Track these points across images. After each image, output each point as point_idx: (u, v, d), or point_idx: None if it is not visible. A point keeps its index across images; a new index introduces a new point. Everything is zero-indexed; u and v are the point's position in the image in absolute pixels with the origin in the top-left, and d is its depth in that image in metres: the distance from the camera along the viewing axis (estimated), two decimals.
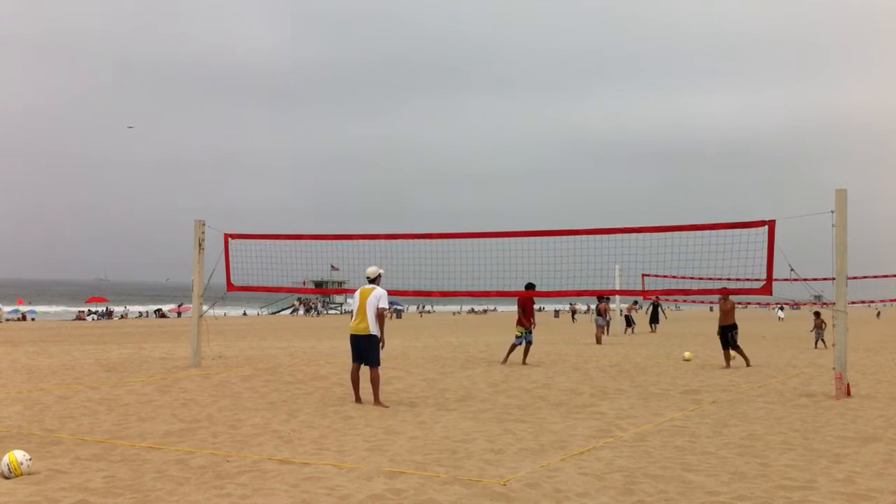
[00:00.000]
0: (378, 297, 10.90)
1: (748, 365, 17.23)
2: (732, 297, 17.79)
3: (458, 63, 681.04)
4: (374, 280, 11.22)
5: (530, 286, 16.36)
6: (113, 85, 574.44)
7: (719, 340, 17.76)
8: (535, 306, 18.55)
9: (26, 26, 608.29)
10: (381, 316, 10.90)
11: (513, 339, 17.94)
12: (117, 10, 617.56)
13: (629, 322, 36.00)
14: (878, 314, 71.96)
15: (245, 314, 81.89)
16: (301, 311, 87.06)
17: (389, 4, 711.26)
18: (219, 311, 71.43)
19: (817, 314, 25.72)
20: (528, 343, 17.72)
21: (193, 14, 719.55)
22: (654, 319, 36.56)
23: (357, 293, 11.10)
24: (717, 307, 19.03)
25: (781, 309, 58.70)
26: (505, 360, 17.60)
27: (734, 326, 17.51)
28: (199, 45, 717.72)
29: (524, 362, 17.44)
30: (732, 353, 17.45)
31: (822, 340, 25.16)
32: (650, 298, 34.83)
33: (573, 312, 65.47)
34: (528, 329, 17.60)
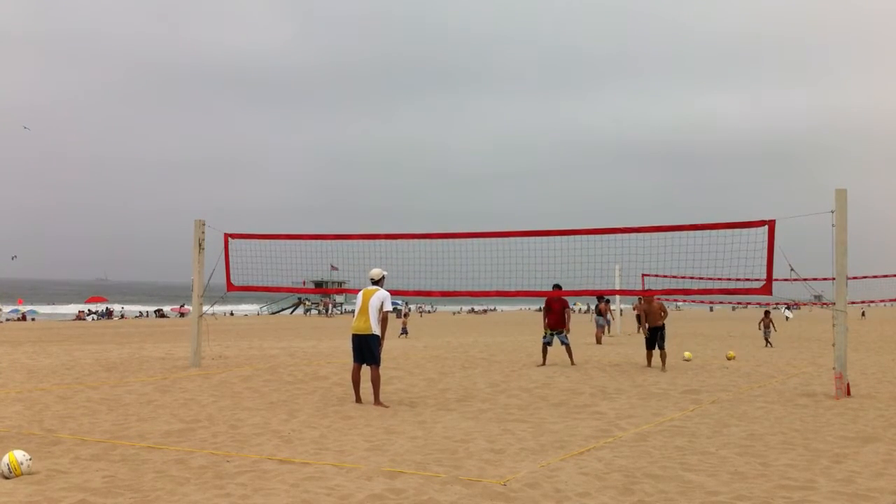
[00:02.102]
0: (381, 298, 10.93)
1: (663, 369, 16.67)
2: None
3: (459, 63, 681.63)
4: (377, 282, 11.23)
5: (556, 287, 16.21)
6: (114, 85, 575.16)
7: (646, 343, 17.38)
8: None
9: (29, 26, 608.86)
10: (385, 319, 10.93)
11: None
12: (118, 10, 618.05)
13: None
14: (863, 314, 70.61)
15: (232, 314, 76.48)
16: (315, 312, 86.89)
17: (390, 4, 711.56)
18: (221, 310, 71.16)
19: (767, 313, 25.78)
20: (564, 344, 17.52)
21: (194, 14, 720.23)
22: None
23: (360, 294, 11.13)
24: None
25: (788, 308, 58.28)
26: (543, 363, 17.28)
27: (663, 327, 17.33)
28: (199, 44, 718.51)
29: (571, 363, 17.36)
30: (653, 353, 17.35)
31: (768, 340, 25.09)
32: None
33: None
34: (552, 330, 17.46)
